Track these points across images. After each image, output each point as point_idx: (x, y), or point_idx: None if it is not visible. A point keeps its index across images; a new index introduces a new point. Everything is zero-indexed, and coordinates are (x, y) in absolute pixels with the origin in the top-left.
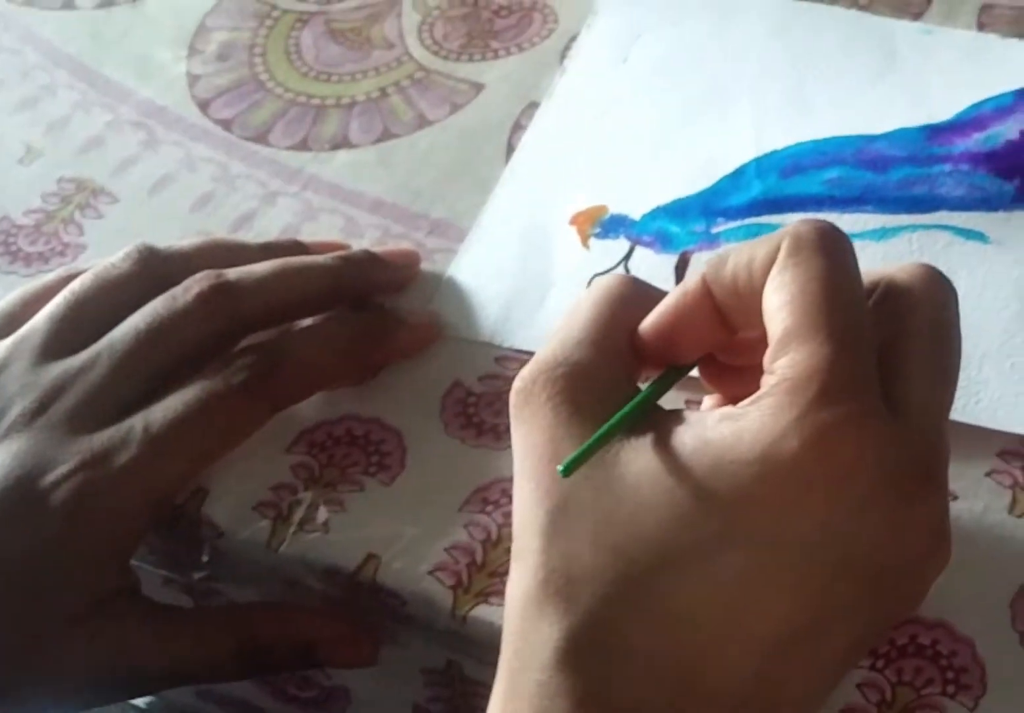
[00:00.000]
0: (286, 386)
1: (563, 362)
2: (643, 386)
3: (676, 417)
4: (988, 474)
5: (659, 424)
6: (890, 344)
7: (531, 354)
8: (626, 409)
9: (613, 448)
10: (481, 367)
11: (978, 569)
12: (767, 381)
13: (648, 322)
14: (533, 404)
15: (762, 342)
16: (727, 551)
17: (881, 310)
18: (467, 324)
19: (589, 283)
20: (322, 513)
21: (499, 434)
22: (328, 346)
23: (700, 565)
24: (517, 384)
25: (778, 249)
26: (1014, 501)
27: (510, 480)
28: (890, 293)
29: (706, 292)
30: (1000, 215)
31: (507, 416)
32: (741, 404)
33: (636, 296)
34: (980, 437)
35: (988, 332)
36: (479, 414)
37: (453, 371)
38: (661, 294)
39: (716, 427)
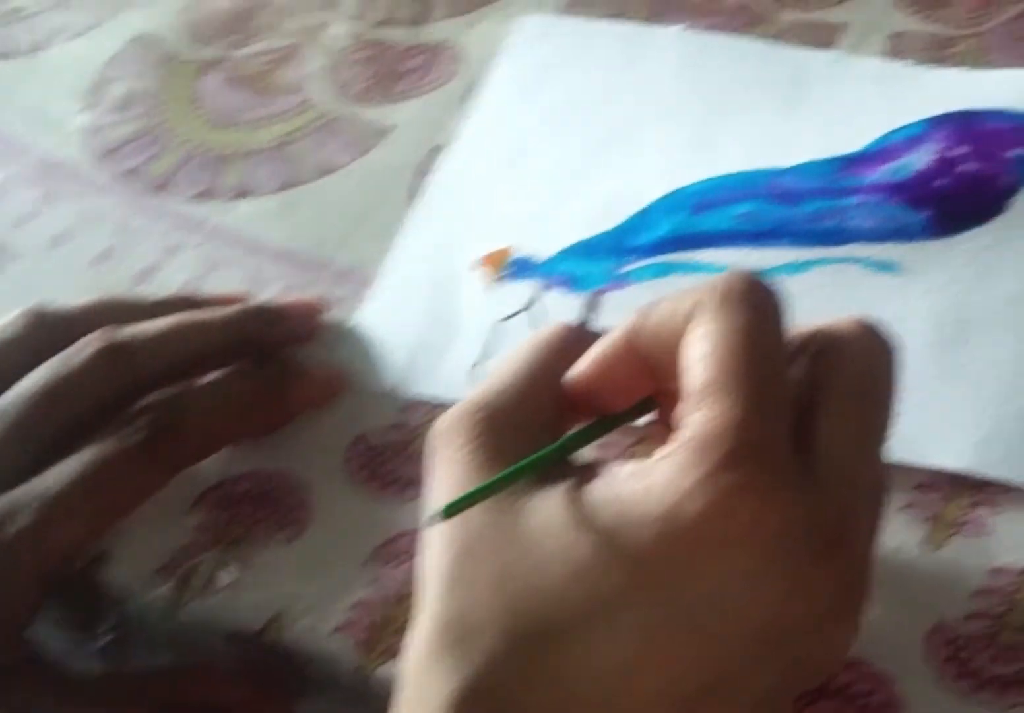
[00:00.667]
0: (186, 446)
1: (485, 407)
2: None
3: (590, 469)
4: (904, 508)
5: (572, 475)
6: (816, 401)
7: (436, 403)
8: (529, 459)
9: (522, 497)
10: (387, 417)
11: (895, 604)
12: (680, 435)
13: (573, 372)
14: (450, 447)
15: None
16: (627, 609)
17: (812, 365)
18: (373, 374)
19: (496, 327)
20: (226, 574)
21: (404, 486)
22: (229, 403)
23: (599, 622)
24: (437, 426)
25: (702, 299)
26: (929, 535)
27: (416, 533)
28: (823, 348)
29: (631, 342)
30: (912, 246)
31: (413, 467)
32: (652, 458)
33: (572, 344)
34: (896, 471)
35: (901, 365)
36: (385, 465)
37: (359, 422)
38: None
39: (625, 482)
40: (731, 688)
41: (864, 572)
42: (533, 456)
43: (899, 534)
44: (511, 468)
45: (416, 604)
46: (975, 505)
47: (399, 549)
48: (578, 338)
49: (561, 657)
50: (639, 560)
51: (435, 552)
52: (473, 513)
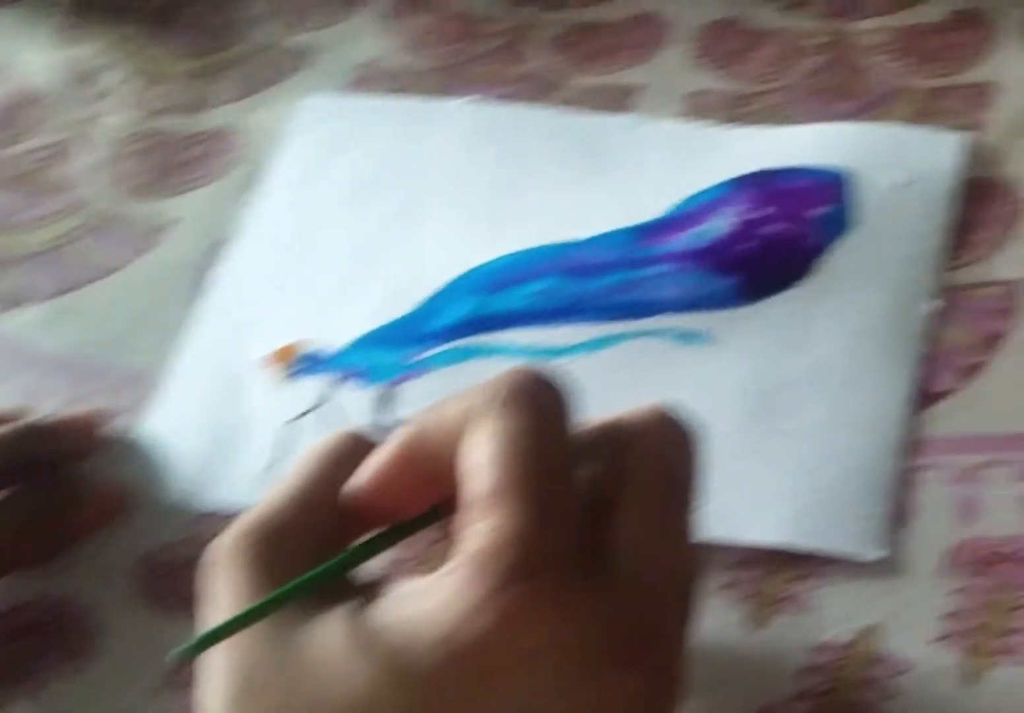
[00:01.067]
0: None
1: (260, 527)
2: None
3: (373, 588)
4: (724, 587)
5: (354, 595)
6: (612, 499)
7: (228, 512)
8: (296, 582)
9: (301, 623)
10: (177, 531)
11: (721, 689)
12: (462, 549)
13: (351, 485)
14: (225, 572)
15: None
16: None
17: (607, 462)
18: (160, 485)
19: (287, 427)
20: (13, 709)
21: (197, 604)
22: (4, 532)
23: None
24: (213, 551)
25: (482, 402)
26: (752, 614)
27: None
28: (618, 443)
29: (409, 450)
30: (719, 314)
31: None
32: (434, 575)
33: (354, 453)
34: (714, 551)
35: (713, 438)
36: (176, 583)
37: (147, 538)
38: None
39: (407, 602)
40: None
41: (676, 667)
42: (301, 578)
43: (721, 614)
44: (275, 593)
45: None
46: (796, 579)
47: (192, 674)
48: (361, 445)
49: None
50: (426, 685)
51: (213, 687)
52: (250, 643)
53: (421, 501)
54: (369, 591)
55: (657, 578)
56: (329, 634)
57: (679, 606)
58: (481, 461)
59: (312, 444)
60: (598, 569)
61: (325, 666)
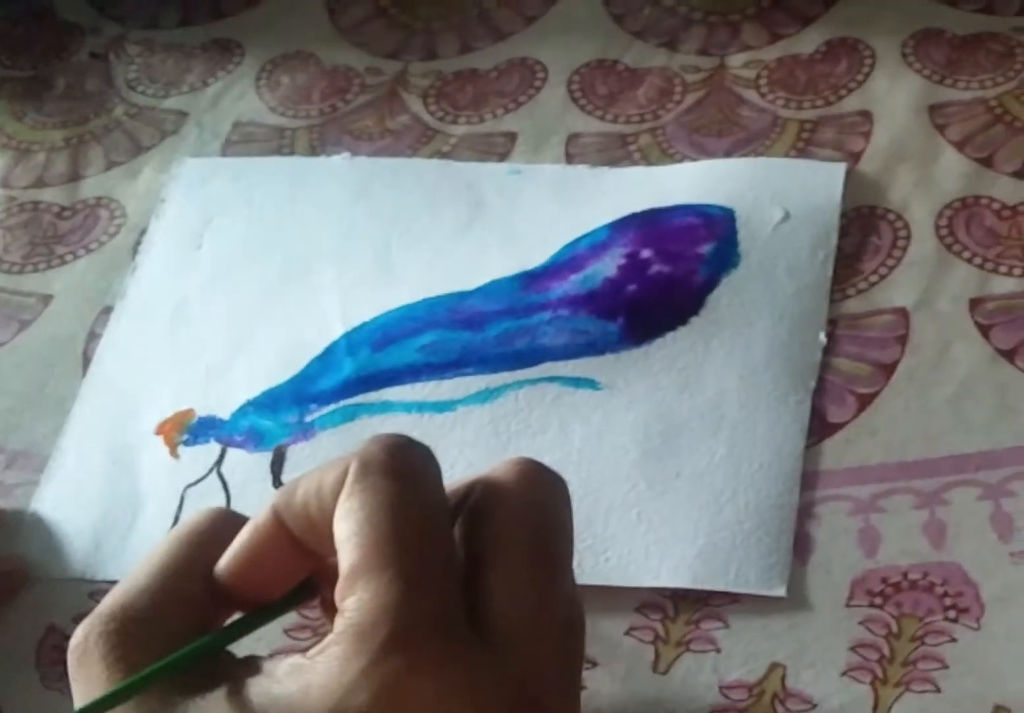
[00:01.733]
0: None
1: (118, 615)
2: None
3: (251, 667)
4: (628, 632)
5: (231, 676)
6: (482, 560)
7: None
8: (149, 670)
9: (174, 705)
10: (76, 606)
11: None
12: (336, 624)
13: (222, 563)
14: (87, 664)
15: None
16: None
17: (474, 521)
18: (56, 561)
19: (182, 496)
20: None
21: None
22: None
23: None
24: (72, 641)
25: (346, 472)
26: (657, 657)
27: None
28: (483, 500)
29: (279, 523)
30: (608, 358)
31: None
32: (312, 651)
33: (222, 530)
34: (615, 594)
35: (610, 483)
36: None
37: (46, 615)
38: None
39: (283, 681)
40: None
41: None
42: (163, 661)
43: (624, 660)
44: (133, 677)
45: None
46: (700, 620)
47: None
48: (230, 520)
49: None
50: None
51: None
52: None
53: (294, 574)
54: (245, 670)
55: (537, 635)
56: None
57: (562, 654)
58: (348, 534)
59: (178, 523)
60: (477, 629)
61: None
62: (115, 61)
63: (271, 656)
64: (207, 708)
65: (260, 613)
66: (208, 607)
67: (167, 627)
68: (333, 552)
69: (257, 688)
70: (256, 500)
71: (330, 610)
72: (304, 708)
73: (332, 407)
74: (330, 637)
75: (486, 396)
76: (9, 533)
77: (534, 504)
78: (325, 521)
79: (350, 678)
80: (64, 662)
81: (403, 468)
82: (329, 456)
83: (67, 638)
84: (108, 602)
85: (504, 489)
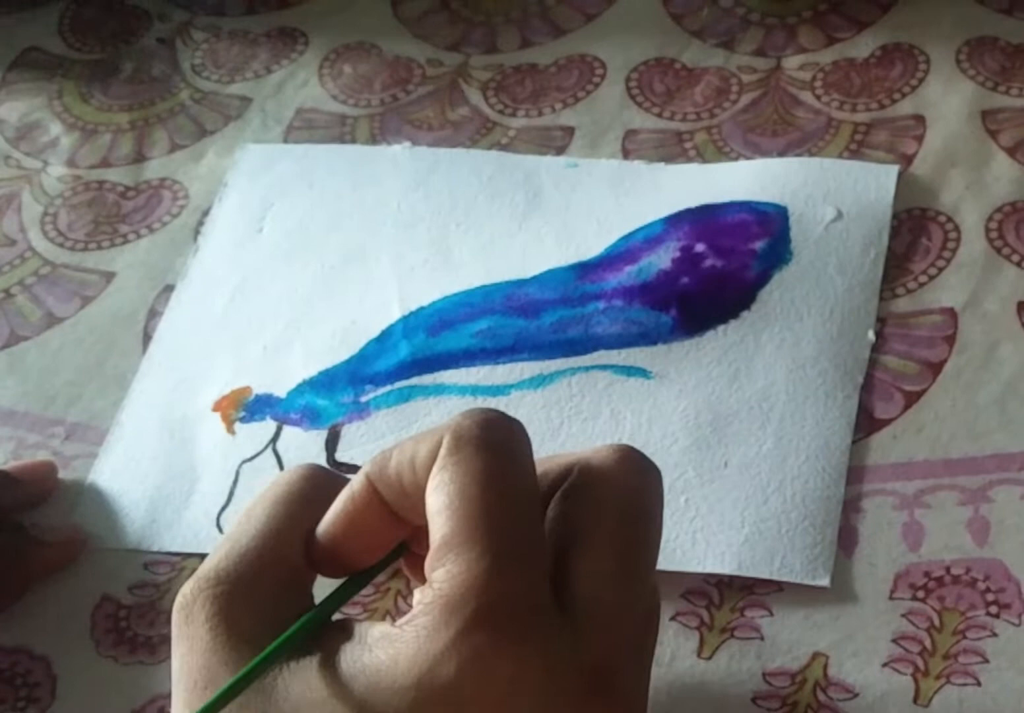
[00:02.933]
0: None
1: (224, 579)
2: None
3: (343, 633)
4: (674, 617)
5: (324, 642)
6: (573, 541)
7: (182, 556)
8: (278, 642)
9: (271, 674)
10: (130, 576)
11: None
12: (425, 595)
13: (320, 528)
14: (193, 624)
15: None
16: None
17: (570, 500)
18: (113, 532)
19: (237, 471)
20: None
21: (153, 647)
22: None
23: None
24: (179, 600)
25: (439, 444)
26: (702, 643)
27: (167, 697)
28: (580, 482)
29: (373, 492)
30: (660, 348)
31: (161, 627)
32: (401, 620)
33: (319, 491)
34: (662, 580)
35: (660, 470)
36: (132, 628)
37: (101, 584)
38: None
39: (373, 649)
40: None
41: (639, 701)
42: (288, 633)
43: (670, 645)
44: (258, 657)
45: None
46: (745, 608)
47: None
48: (325, 483)
49: None
50: None
51: None
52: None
53: (387, 541)
54: (337, 636)
55: (620, 617)
56: (302, 684)
57: (639, 640)
58: (439, 507)
59: (263, 490)
60: (561, 606)
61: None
62: (181, 46)
63: (358, 623)
64: (300, 672)
65: (356, 580)
66: (303, 570)
67: (268, 590)
68: (425, 521)
69: (348, 655)
70: None
71: (418, 574)
72: (392, 677)
73: (387, 388)
74: (419, 607)
75: (539, 382)
76: (68, 503)
77: (631, 491)
78: (417, 492)
79: (438, 649)
80: (117, 630)
81: (495, 443)
82: (383, 436)
83: (122, 607)
84: (213, 565)
85: (602, 473)
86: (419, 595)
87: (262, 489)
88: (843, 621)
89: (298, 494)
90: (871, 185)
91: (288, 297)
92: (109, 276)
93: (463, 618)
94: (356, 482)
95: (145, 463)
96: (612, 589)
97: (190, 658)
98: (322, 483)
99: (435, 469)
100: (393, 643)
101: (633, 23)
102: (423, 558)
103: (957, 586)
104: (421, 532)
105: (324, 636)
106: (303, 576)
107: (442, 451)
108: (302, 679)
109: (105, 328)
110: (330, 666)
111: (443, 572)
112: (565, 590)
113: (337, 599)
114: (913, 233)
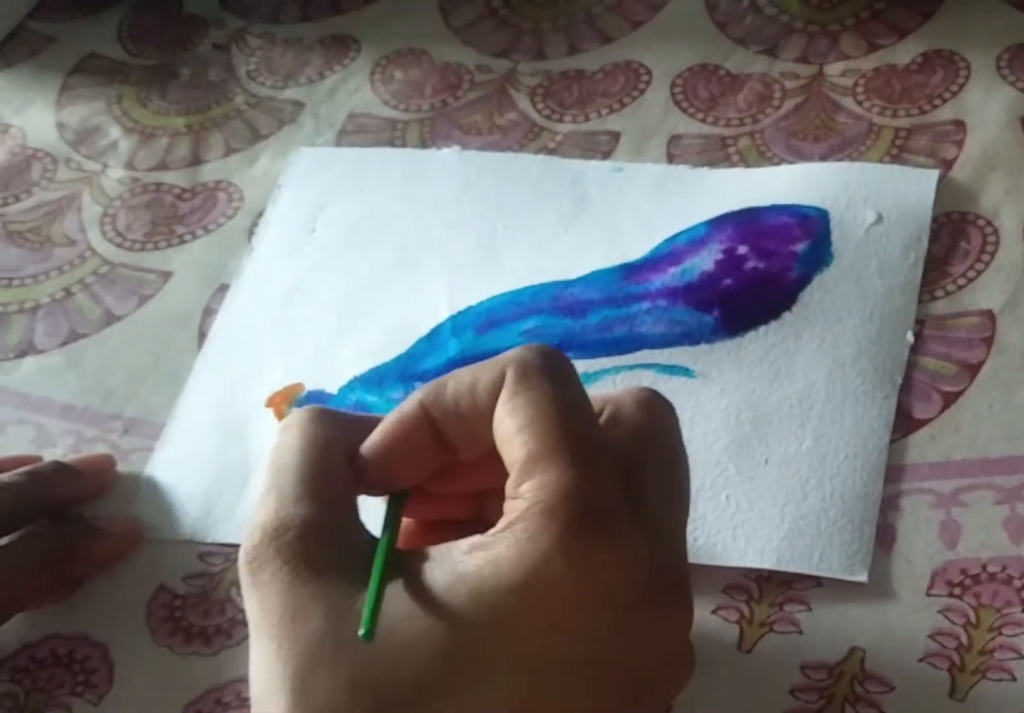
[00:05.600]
0: None
1: (289, 523)
2: None
3: (419, 555)
4: (714, 611)
5: (404, 566)
6: (625, 469)
7: (236, 547)
8: (383, 554)
9: (357, 600)
10: (185, 567)
11: (710, 710)
12: (516, 506)
13: (366, 448)
14: (267, 570)
15: (480, 466)
16: (492, 681)
17: (611, 435)
18: (168, 524)
19: None
20: None
21: (208, 638)
22: (19, 569)
23: (467, 698)
24: (247, 555)
25: (503, 374)
26: (741, 636)
27: (223, 688)
28: (617, 419)
29: (424, 416)
30: (702, 348)
31: (214, 617)
32: (490, 532)
33: (335, 427)
34: (703, 574)
35: (701, 467)
36: (187, 617)
37: (157, 575)
38: (356, 417)
39: (468, 559)
40: None
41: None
42: (380, 553)
43: (711, 638)
44: (375, 573)
45: None
46: (784, 602)
47: (207, 708)
48: (336, 420)
49: None
50: (501, 632)
51: (270, 668)
52: (305, 625)
53: (428, 464)
54: (413, 560)
55: (678, 529)
56: (393, 603)
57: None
58: (517, 428)
59: (281, 428)
60: (634, 519)
61: (395, 633)
62: (237, 53)
63: (433, 547)
64: (390, 593)
65: (396, 498)
66: (351, 496)
67: (332, 527)
68: (474, 446)
69: (439, 570)
70: None
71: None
72: (496, 578)
73: None
74: (511, 517)
75: (584, 380)
76: (125, 496)
77: (663, 425)
78: (476, 417)
79: (543, 549)
80: (173, 619)
81: (560, 371)
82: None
83: (176, 597)
84: (271, 516)
85: (635, 410)
86: (508, 506)
87: (273, 444)
88: (880, 616)
89: (319, 433)
90: (911, 189)
91: (340, 296)
92: (166, 275)
93: (564, 520)
94: (407, 406)
95: (200, 457)
96: (668, 511)
97: (270, 600)
98: (336, 421)
99: (505, 396)
100: (490, 550)
101: (678, 30)
102: (430, 502)
103: (993, 583)
104: (449, 469)
105: (401, 561)
106: (352, 501)
107: (510, 379)
108: (394, 598)
109: (162, 326)
110: (421, 581)
111: (534, 482)
112: (635, 504)
113: (393, 519)
114: (952, 237)
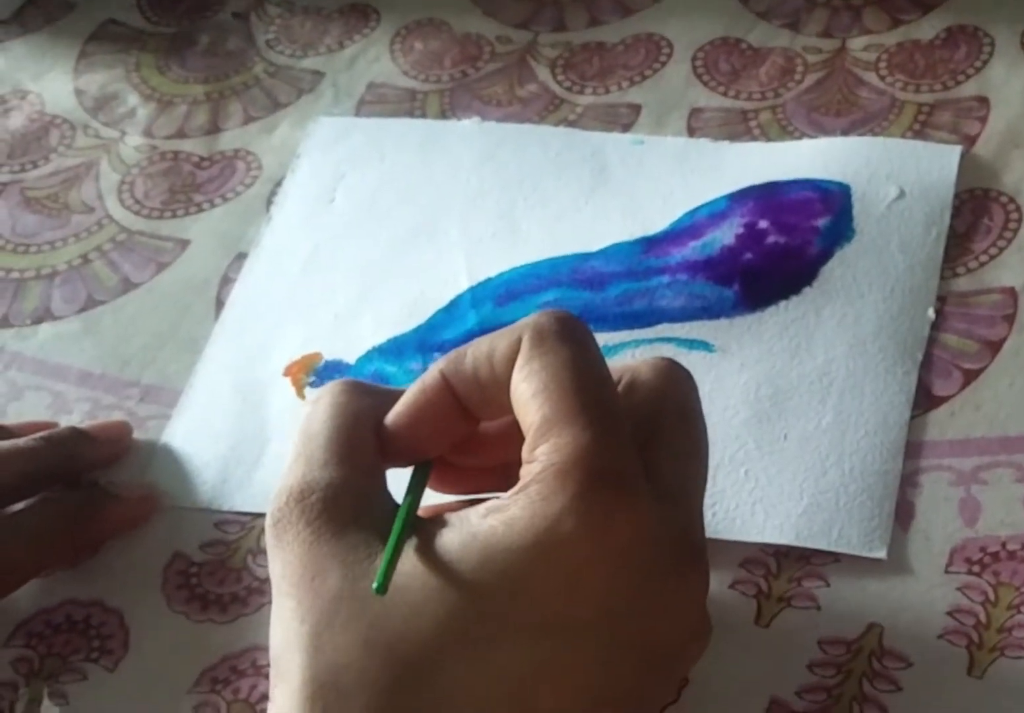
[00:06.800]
0: None
1: (316, 487)
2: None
3: (438, 521)
4: (732, 585)
5: (421, 529)
6: (643, 434)
7: (252, 515)
8: (403, 515)
9: (374, 561)
10: (202, 534)
11: (730, 683)
12: (530, 469)
13: (390, 420)
14: (292, 531)
15: (503, 437)
16: (504, 642)
17: (629, 401)
18: (185, 491)
19: None
20: (44, 709)
21: (224, 605)
22: (35, 534)
23: (478, 659)
24: (272, 517)
25: (519, 341)
26: (759, 611)
27: (239, 656)
28: (635, 386)
29: (445, 386)
30: (722, 322)
31: (230, 585)
32: (505, 495)
33: (365, 398)
34: (721, 549)
35: (720, 441)
36: (203, 585)
37: (173, 542)
38: (386, 390)
39: (483, 521)
40: (620, 703)
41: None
42: (402, 513)
43: (728, 612)
44: (396, 530)
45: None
46: (802, 578)
47: (223, 674)
48: (366, 391)
49: (443, 702)
50: (513, 592)
51: (288, 624)
52: (324, 582)
53: (452, 434)
54: (430, 525)
55: (694, 492)
56: (409, 563)
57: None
58: (534, 392)
59: (314, 399)
60: (650, 482)
61: (410, 592)
62: (256, 21)
63: (448, 512)
64: (406, 554)
65: (421, 468)
66: (377, 465)
67: (357, 491)
68: (495, 414)
69: (454, 531)
70: None
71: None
72: (508, 538)
73: None
74: (526, 480)
75: (604, 353)
76: (141, 463)
77: (681, 393)
78: (495, 384)
79: (556, 510)
80: (188, 586)
81: (575, 335)
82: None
83: (192, 564)
84: (298, 480)
85: (654, 379)
86: (524, 471)
87: (305, 412)
88: (899, 593)
89: (350, 404)
90: (934, 165)
91: (358, 266)
92: (184, 244)
93: (577, 481)
94: (429, 376)
95: (217, 425)
96: (685, 477)
97: (292, 560)
98: (366, 392)
99: (521, 361)
100: (504, 512)
101: (700, 3)
102: (456, 474)
103: (1012, 561)
104: (473, 440)
105: (420, 526)
106: (379, 473)
107: (525, 344)
108: (410, 559)
109: (179, 294)
110: (438, 543)
111: (549, 445)
112: (650, 468)
113: (418, 485)
114: (975, 213)
